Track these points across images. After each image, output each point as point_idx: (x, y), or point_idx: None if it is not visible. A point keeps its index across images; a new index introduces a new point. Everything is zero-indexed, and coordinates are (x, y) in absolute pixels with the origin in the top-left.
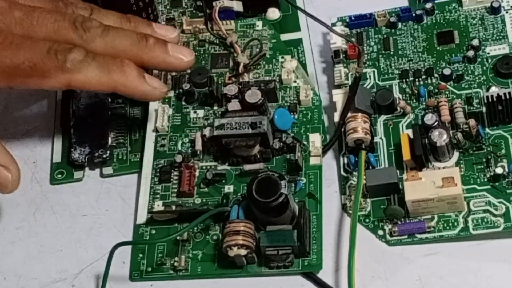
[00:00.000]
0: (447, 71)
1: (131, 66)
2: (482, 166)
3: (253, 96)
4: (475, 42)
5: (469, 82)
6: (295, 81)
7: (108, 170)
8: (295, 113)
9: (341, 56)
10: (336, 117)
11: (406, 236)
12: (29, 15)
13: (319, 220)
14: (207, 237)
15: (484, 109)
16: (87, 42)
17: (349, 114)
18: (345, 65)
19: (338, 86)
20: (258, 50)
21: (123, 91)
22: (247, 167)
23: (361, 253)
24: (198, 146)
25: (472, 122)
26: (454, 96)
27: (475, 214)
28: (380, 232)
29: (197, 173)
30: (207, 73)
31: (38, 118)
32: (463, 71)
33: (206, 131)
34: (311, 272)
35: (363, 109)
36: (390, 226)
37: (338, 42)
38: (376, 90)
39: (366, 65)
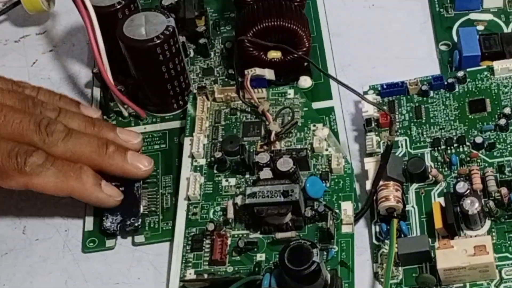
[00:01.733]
0: (479, 140)
1: (88, 173)
2: None
3: (285, 164)
4: (507, 110)
5: (501, 150)
6: (326, 149)
7: (140, 238)
8: (327, 181)
9: (373, 124)
10: (368, 185)
11: None
12: None
13: None
14: None
15: None
16: (48, 145)
17: (381, 183)
18: (377, 133)
19: (370, 154)
20: (289, 118)
21: (78, 197)
22: (279, 235)
23: None
24: (230, 214)
25: (504, 190)
26: (486, 165)
27: (507, 282)
28: None
29: (229, 241)
30: (238, 142)
31: None
32: (495, 139)
33: (238, 200)
34: None
35: (395, 177)
36: None
37: (370, 110)
38: (408, 159)
39: (398, 133)
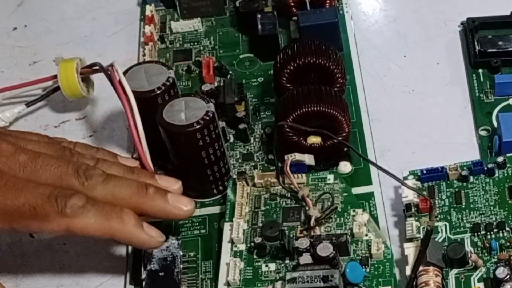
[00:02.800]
0: None
1: (129, 215)
2: None
3: (325, 249)
4: None
5: None
6: (366, 235)
7: None
8: (366, 266)
9: (413, 210)
10: (408, 270)
11: None
12: (34, 159)
13: None
14: None
15: None
16: (88, 189)
17: (421, 268)
18: (416, 218)
19: (410, 240)
20: (329, 203)
21: (120, 239)
22: None
23: None
24: None
25: None
26: None
27: None
28: None
29: None
30: (278, 227)
31: (110, 272)
32: None
33: (278, 285)
34: None
35: (435, 262)
36: None
37: (409, 196)
38: (448, 244)
39: (437, 218)
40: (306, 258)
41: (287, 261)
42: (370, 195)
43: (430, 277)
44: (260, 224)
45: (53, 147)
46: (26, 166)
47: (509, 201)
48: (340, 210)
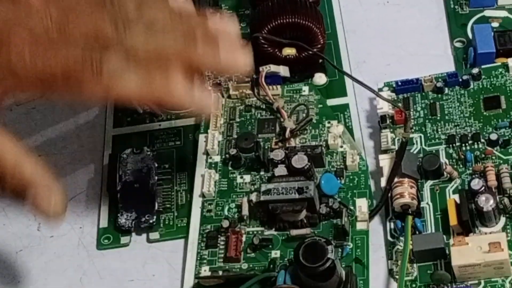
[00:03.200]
0: (493, 136)
1: (177, 78)
2: None
3: (300, 161)
4: None
5: None
6: (341, 146)
7: (154, 235)
8: (341, 178)
9: (388, 121)
10: (383, 182)
11: None
12: (66, 13)
13: (366, 285)
14: None
15: None
16: (126, 41)
17: (396, 179)
18: (391, 130)
19: (385, 151)
20: (304, 115)
21: (167, 106)
22: (294, 232)
23: None
24: (245, 211)
25: None
26: (501, 161)
27: None
28: None
29: (243, 238)
30: (253, 139)
31: (85, 184)
32: (510, 136)
33: (253, 197)
34: None
35: (410, 174)
36: None
37: (384, 107)
38: (423, 155)
39: (412, 130)
40: (281, 170)
41: (262, 173)
42: (345, 106)
43: (405, 189)
44: (235, 136)
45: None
46: (57, 20)
47: (484, 113)
48: (315, 121)
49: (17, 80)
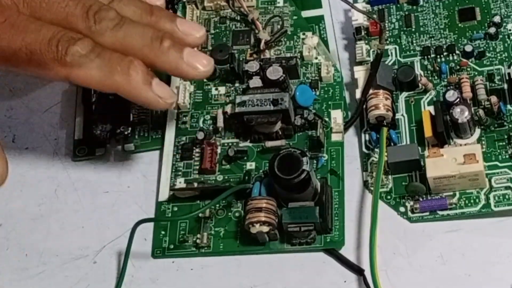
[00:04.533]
0: (468, 48)
1: (137, 69)
2: (504, 143)
3: (275, 73)
4: (496, 19)
5: (490, 59)
6: (316, 58)
7: (129, 146)
8: (316, 89)
9: (363, 33)
10: (358, 94)
11: (427, 213)
12: None
13: (341, 197)
14: (229, 214)
15: (505, 86)
16: (95, 34)
17: (371, 91)
18: (366, 42)
19: (360, 63)
20: (279, 27)
21: (124, 95)
22: (269, 144)
23: (382, 230)
24: (220, 123)
25: (493, 99)
26: (476, 73)
27: (497, 191)
28: (402, 209)
29: (219, 150)
30: (228, 50)
31: (60, 95)
32: (485, 48)
33: (228, 108)
34: (333, 248)
35: (385, 86)
36: (411, 203)
37: (359, 19)
38: (398, 67)
39: (387, 42)
40: (255, 82)
41: (237, 85)
42: (320, 18)
43: (380, 100)
44: (210, 48)
45: None
46: (30, 2)
47: (459, 24)
48: (289, 33)
49: None
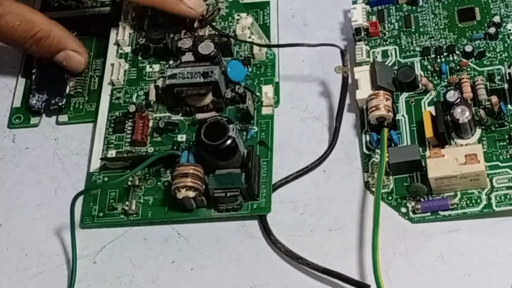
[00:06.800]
0: (468, 48)
1: None
2: (505, 143)
3: (206, 48)
4: (496, 19)
5: (490, 59)
6: (250, 37)
7: (63, 117)
8: (249, 66)
9: (362, 34)
10: (358, 94)
11: (429, 214)
12: None
13: (270, 166)
14: (159, 183)
15: (506, 86)
16: None
17: (371, 92)
18: (366, 42)
19: (360, 64)
20: (214, 5)
21: (161, 8)
22: (199, 116)
23: (382, 230)
24: (152, 97)
25: (494, 99)
26: (476, 73)
27: (498, 191)
28: (403, 210)
29: (150, 123)
30: (162, 29)
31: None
32: (485, 48)
33: (159, 82)
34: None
35: (385, 86)
36: (413, 203)
37: (359, 20)
38: (398, 68)
39: (387, 42)
40: (188, 57)
41: (171, 62)
42: (266, 4)
43: (381, 101)
44: (145, 28)
45: None
46: None
47: (459, 25)
48: (225, 14)
49: None
